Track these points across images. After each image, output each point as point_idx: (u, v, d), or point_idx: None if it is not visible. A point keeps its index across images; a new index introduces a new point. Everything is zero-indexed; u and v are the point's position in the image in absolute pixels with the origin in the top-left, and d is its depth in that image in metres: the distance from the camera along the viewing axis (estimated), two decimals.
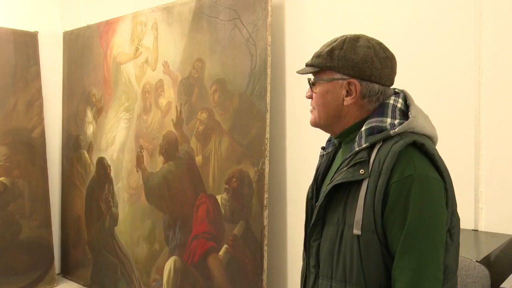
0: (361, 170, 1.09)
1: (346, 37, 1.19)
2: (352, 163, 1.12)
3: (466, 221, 1.98)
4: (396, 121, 1.13)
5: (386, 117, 1.14)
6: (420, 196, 1.05)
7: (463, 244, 1.79)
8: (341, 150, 1.28)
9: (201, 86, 2.86)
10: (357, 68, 1.15)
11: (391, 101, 1.17)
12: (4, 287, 3.54)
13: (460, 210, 1.98)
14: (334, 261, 1.12)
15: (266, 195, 2.48)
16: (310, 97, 1.25)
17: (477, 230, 1.96)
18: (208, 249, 2.78)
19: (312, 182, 1.30)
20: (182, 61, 3.00)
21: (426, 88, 2.08)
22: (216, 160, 2.75)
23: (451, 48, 2.02)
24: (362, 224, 1.07)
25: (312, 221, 1.19)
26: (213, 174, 2.77)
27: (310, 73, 1.22)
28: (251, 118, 2.57)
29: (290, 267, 2.62)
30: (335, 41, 1.20)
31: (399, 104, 1.17)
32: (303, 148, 2.54)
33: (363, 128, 1.14)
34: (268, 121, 2.50)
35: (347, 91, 1.17)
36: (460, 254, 1.55)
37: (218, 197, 2.73)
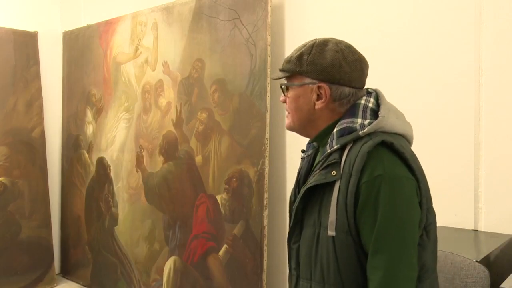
0: (333, 172, 1.10)
1: (315, 42, 1.20)
2: (324, 165, 1.13)
3: (466, 221, 1.98)
4: (366, 121, 1.13)
5: (357, 117, 1.15)
6: (390, 195, 1.05)
7: (462, 244, 1.79)
8: (319, 152, 1.29)
9: (201, 86, 2.86)
10: (325, 73, 1.16)
11: (362, 101, 1.18)
12: (4, 287, 3.54)
13: (460, 210, 1.99)
14: (312, 263, 1.13)
15: (266, 195, 2.48)
16: (284, 101, 1.26)
17: (477, 230, 1.96)
18: (208, 249, 2.78)
19: (294, 185, 1.31)
20: (182, 61, 3.00)
21: (426, 88, 2.08)
22: (216, 160, 2.75)
23: (451, 48, 2.02)
24: (336, 225, 1.08)
25: (291, 224, 1.20)
26: (213, 174, 2.77)
27: (282, 78, 1.24)
28: (251, 118, 2.57)
29: None
30: (304, 46, 1.21)
31: (371, 103, 1.17)
32: (303, 148, 2.54)
33: (334, 130, 1.16)
34: (268, 121, 2.50)
35: (317, 95, 1.18)
36: (460, 254, 1.56)
37: (218, 197, 2.73)
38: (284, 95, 1.25)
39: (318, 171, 1.15)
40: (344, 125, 1.14)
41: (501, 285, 1.45)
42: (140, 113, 3.31)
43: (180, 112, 2.98)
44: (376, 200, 1.05)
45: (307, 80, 1.18)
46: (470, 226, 1.97)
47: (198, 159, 2.85)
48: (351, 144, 1.11)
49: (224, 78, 2.72)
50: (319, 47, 1.18)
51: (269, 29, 2.49)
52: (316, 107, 1.19)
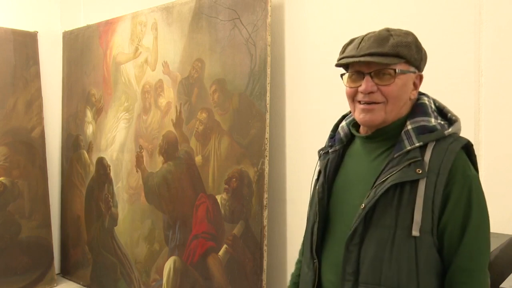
0: (417, 170, 1.05)
1: (406, 30, 1.17)
2: (405, 162, 1.07)
3: None
4: (442, 122, 1.13)
5: (430, 117, 1.13)
6: (480, 195, 1.07)
7: None
8: (357, 147, 1.21)
9: (200, 86, 2.86)
10: (424, 64, 1.18)
11: (426, 102, 1.17)
12: (3, 287, 3.54)
13: None
14: (384, 266, 1.06)
15: (265, 195, 2.48)
16: (373, 90, 1.11)
17: None
18: (207, 249, 2.77)
19: (323, 181, 1.22)
20: (181, 61, 3.00)
21: (426, 88, 2.07)
22: (216, 160, 2.75)
23: (451, 48, 2.02)
24: (420, 225, 1.04)
25: (355, 225, 1.10)
26: (213, 174, 2.77)
27: (387, 63, 1.10)
28: (251, 118, 2.57)
29: (289, 267, 2.62)
30: (403, 33, 1.14)
31: (433, 105, 1.18)
32: (302, 148, 2.54)
33: (409, 127, 1.11)
34: (267, 121, 2.49)
35: (414, 84, 1.16)
36: None
37: (218, 197, 2.73)
38: (388, 82, 1.10)
39: (397, 168, 1.07)
40: (422, 123, 1.11)
41: (501, 285, 1.45)
42: (140, 113, 3.31)
43: (180, 112, 2.98)
44: (469, 200, 1.05)
45: (412, 69, 1.14)
46: None
47: (198, 159, 2.85)
48: (433, 143, 1.09)
49: (224, 78, 2.72)
50: (413, 35, 1.16)
51: (269, 29, 2.49)
52: (412, 96, 1.16)
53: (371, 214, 1.09)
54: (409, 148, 1.09)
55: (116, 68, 3.52)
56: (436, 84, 2.05)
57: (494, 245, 1.71)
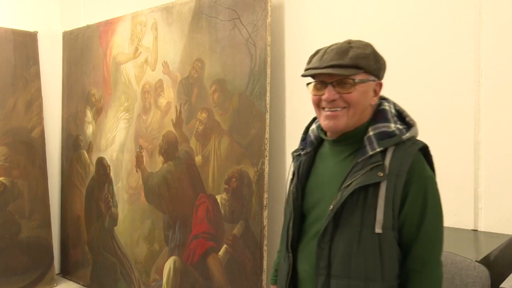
0: (379, 173, 1.16)
1: (366, 42, 1.24)
2: (368, 167, 1.17)
3: (465, 221, 1.98)
4: (401, 127, 1.22)
5: (390, 122, 1.22)
6: (435, 194, 1.19)
7: (462, 244, 1.79)
8: (325, 150, 1.31)
9: (200, 86, 2.86)
10: (382, 72, 1.26)
11: (387, 107, 1.26)
12: (3, 287, 3.54)
13: (460, 210, 1.99)
14: (352, 260, 1.17)
15: (265, 195, 2.48)
16: (334, 98, 1.20)
17: (477, 230, 1.96)
18: (207, 249, 2.77)
19: (296, 182, 1.32)
20: (181, 61, 3.00)
21: (426, 88, 2.08)
22: (216, 160, 2.75)
23: (451, 47, 2.02)
24: (383, 223, 1.15)
25: (325, 224, 1.20)
26: (213, 174, 2.77)
27: (347, 75, 1.18)
28: (251, 118, 2.57)
29: None
30: (361, 44, 1.22)
31: (393, 109, 1.27)
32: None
33: (371, 133, 1.21)
34: (267, 121, 2.49)
35: (374, 91, 1.24)
36: (459, 254, 1.56)
37: (218, 197, 2.73)
38: (347, 91, 1.19)
39: (361, 172, 1.18)
40: (382, 129, 1.21)
41: (501, 285, 1.45)
42: (140, 113, 3.31)
43: (180, 112, 2.98)
44: (425, 198, 1.16)
45: (371, 77, 1.22)
46: (470, 226, 1.97)
47: (198, 159, 2.85)
48: (393, 147, 1.18)
49: (224, 78, 2.72)
50: (372, 47, 1.24)
51: (269, 29, 2.49)
52: (372, 102, 1.24)
53: (340, 214, 1.19)
54: (371, 153, 1.19)
55: (116, 68, 3.52)
56: (436, 84, 2.05)
57: (494, 245, 1.71)
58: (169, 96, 3.08)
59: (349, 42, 1.23)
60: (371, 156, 1.18)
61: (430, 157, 1.23)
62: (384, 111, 1.24)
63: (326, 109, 1.23)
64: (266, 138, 2.49)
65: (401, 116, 1.27)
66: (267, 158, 2.50)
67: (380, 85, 1.25)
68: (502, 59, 1.90)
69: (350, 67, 1.18)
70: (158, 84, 3.17)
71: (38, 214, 3.77)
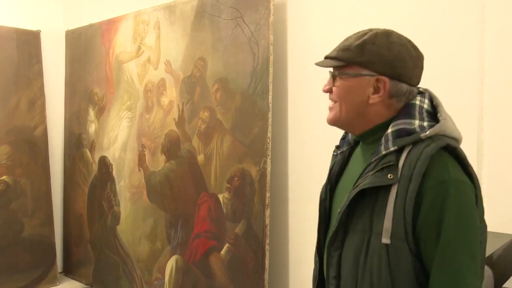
0: (389, 175, 1.02)
1: (377, 32, 1.11)
2: (379, 167, 1.05)
3: None
4: (425, 124, 1.07)
5: (414, 119, 1.07)
6: (457, 202, 0.99)
7: None
8: (359, 150, 1.20)
9: (203, 85, 2.86)
10: (389, 66, 1.08)
11: (417, 102, 1.11)
12: (6, 285, 3.55)
13: None
14: (359, 273, 1.05)
15: (268, 194, 2.48)
16: (329, 91, 1.16)
17: None
18: (209, 248, 2.78)
19: (326, 183, 1.23)
20: (184, 60, 2.99)
21: (429, 87, 2.07)
22: (218, 159, 2.75)
23: (454, 47, 2.01)
24: (391, 232, 1.00)
25: (334, 229, 1.10)
26: (215, 173, 2.77)
27: (333, 66, 1.14)
28: (253, 117, 2.57)
29: (291, 266, 2.62)
30: (364, 35, 1.11)
31: (425, 105, 1.11)
32: (305, 147, 2.54)
33: (389, 130, 1.07)
34: (270, 120, 2.49)
35: (374, 88, 1.10)
36: None
37: (220, 196, 2.73)
38: (333, 84, 1.15)
39: (371, 172, 1.06)
40: (401, 126, 1.06)
41: (504, 285, 1.45)
42: (142, 112, 3.31)
43: (182, 111, 2.98)
44: (442, 207, 0.98)
45: (365, 72, 1.09)
46: None
47: (200, 158, 2.85)
48: (410, 147, 1.04)
49: (226, 77, 2.72)
50: (383, 38, 1.09)
51: (271, 28, 2.49)
52: (371, 101, 1.10)
53: (350, 219, 1.08)
54: (384, 152, 1.06)
55: (119, 66, 3.52)
56: (439, 83, 2.04)
57: (497, 244, 1.71)
58: (171, 95, 3.08)
59: (356, 33, 1.13)
60: (385, 155, 1.05)
61: (461, 157, 1.04)
62: (410, 106, 1.10)
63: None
64: (269, 137, 2.49)
65: (435, 112, 1.12)
66: (269, 157, 2.49)
67: (383, 82, 1.09)
68: (505, 58, 1.89)
69: (334, 58, 1.13)
70: (160, 83, 3.17)
71: (41, 213, 3.78)
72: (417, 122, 1.07)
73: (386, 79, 1.09)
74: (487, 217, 1.96)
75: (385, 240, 1.01)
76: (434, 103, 1.13)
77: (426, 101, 1.12)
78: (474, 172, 1.07)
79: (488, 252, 1.61)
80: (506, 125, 1.89)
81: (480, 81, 1.95)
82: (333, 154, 1.28)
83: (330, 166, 1.26)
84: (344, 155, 1.24)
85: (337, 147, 1.28)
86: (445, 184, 0.99)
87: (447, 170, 1.00)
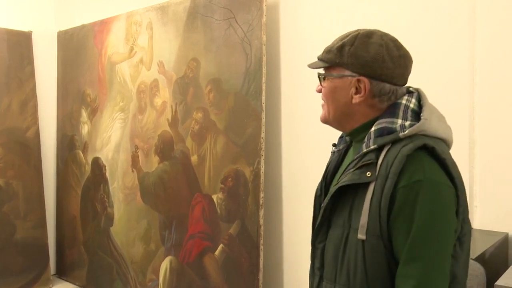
0: (367, 173, 1.05)
1: (359, 33, 1.14)
2: (359, 164, 1.08)
3: None
4: (407, 123, 1.08)
5: (397, 118, 1.09)
6: (428, 202, 1.01)
7: None
8: (351, 148, 1.24)
9: (196, 86, 2.86)
10: (367, 67, 1.10)
11: (403, 101, 1.12)
12: None
13: None
14: (338, 265, 1.10)
15: (261, 195, 2.48)
16: (320, 91, 1.21)
17: (472, 228, 1.96)
18: (204, 248, 2.77)
19: (321, 180, 1.27)
20: (177, 60, 2.99)
21: (420, 86, 2.08)
22: (212, 160, 2.75)
23: (445, 47, 2.02)
24: (367, 229, 1.04)
25: (318, 222, 1.16)
26: (209, 174, 2.76)
27: (320, 67, 1.20)
28: (247, 117, 2.57)
29: (286, 266, 2.62)
30: (346, 36, 1.15)
31: (412, 104, 1.12)
32: (298, 147, 2.55)
33: (372, 129, 1.10)
34: (263, 120, 2.50)
35: (356, 88, 1.12)
36: None
37: (214, 197, 2.73)
38: (321, 85, 1.20)
39: (351, 170, 1.09)
40: (383, 125, 1.09)
41: (496, 283, 1.46)
42: (135, 113, 3.30)
43: (176, 112, 2.98)
44: (413, 206, 1.00)
45: (347, 73, 1.13)
46: None
47: (194, 158, 2.85)
48: (389, 146, 1.06)
49: (220, 78, 2.72)
50: (362, 39, 1.12)
51: (264, 29, 2.49)
52: (353, 101, 1.13)
53: (333, 214, 1.13)
54: (365, 150, 1.09)
55: (111, 67, 3.51)
56: (430, 82, 2.05)
57: (489, 243, 1.72)
58: (164, 95, 3.07)
59: (349, 33, 1.17)
60: (366, 153, 1.08)
61: (442, 159, 1.05)
62: (396, 105, 1.12)
63: None
64: (262, 137, 2.49)
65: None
66: (263, 157, 2.50)
67: (363, 82, 1.11)
68: (496, 58, 1.91)
69: (320, 60, 1.20)
70: (153, 83, 3.16)
71: (34, 215, 3.75)
72: (399, 121, 1.09)
73: (366, 80, 1.11)
74: (479, 215, 1.98)
75: (361, 236, 1.04)
76: (421, 102, 1.14)
77: (413, 100, 1.14)
78: (456, 173, 1.08)
79: (480, 250, 1.62)
80: (498, 124, 1.91)
81: (472, 80, 1.96)
82: (331, 152, 1.32)
83: (327, 163, 1.30)
84: (341, 153, 1.27)
85: (334, 145, 1.31)
86: (419, 183, 1.01)
87: (422, 170, 1.02)
